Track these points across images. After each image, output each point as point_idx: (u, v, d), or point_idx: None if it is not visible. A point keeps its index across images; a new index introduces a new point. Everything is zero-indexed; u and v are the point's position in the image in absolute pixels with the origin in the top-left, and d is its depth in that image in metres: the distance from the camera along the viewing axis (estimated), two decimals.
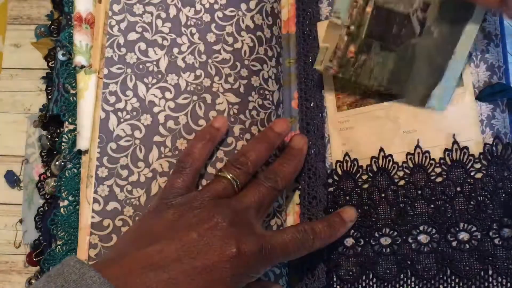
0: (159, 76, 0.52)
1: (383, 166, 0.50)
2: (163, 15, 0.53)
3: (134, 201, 0.49)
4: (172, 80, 0.52)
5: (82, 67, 0.51)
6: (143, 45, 0.52)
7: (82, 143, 0.50)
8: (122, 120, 0.50)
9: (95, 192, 0.49)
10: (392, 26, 0.49)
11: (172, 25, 0.53)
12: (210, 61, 0.53)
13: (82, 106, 0.51)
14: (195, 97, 0.52)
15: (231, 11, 0.55)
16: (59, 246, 0.49)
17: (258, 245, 0.42)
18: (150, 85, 0.51)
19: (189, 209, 0.44)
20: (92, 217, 0.48)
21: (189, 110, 0.52)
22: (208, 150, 0.49)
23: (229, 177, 0.46)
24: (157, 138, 0.51)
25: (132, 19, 0.52)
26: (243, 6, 0.55)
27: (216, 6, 0.54)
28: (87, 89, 0.51)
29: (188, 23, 0.54)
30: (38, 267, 0.55)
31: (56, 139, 0.55)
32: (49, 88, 0.61)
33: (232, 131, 0.52)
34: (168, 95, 0.52)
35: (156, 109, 0.51)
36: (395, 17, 0.48)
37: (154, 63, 0.52)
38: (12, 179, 0.63)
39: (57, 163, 0.51)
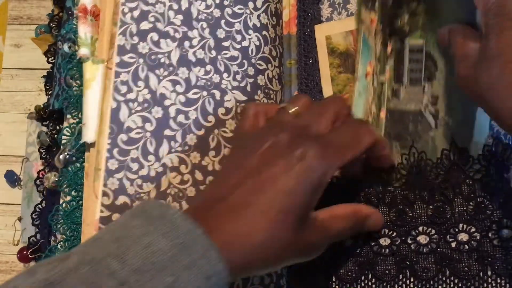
0: (171, 68, 0.51)
1: None
2: (175, 6, 0.52)
3: (144, 196, 0.48)
4: (183, 74, 0.51)
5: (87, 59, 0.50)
6: (155, 36, 0.51)
7: (89, 135, 0.48)
8: (133, 111, 0.49)
9: (105, 185, 0.47)
10: (407, 125, 0.50)
11: (183, 17, 0.52)
12: (219, 57, 0.53)
13: (88, 97, 0.49)
14: (205, 92, 0.51)
15: (240, 9, 0.55)
16: (61, 243, 0.47)
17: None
18: (161, 77, 0.50)
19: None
20: (101, 211, 0.46)
21: (199, 105, 0.51)
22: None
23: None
24: (167, 132, 0.49)
25: (145, 8, 0.51)
26: (251, 5, 0.55)
27: (225, 3, 0.54)
28: (94, 80, 0.49)
29: (199, 17, 0.53)
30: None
31: (56, 135, 0.53)
32: (48, 85, 0.59)
33: None
34: (179, 88, 0.51)
35: (167, 102, 0.50)
36: (409, 116, 0.50)
37: (166, 55, 0.51)
38: (13, 179, 0.61)
39: (61, 156, 0.48)
